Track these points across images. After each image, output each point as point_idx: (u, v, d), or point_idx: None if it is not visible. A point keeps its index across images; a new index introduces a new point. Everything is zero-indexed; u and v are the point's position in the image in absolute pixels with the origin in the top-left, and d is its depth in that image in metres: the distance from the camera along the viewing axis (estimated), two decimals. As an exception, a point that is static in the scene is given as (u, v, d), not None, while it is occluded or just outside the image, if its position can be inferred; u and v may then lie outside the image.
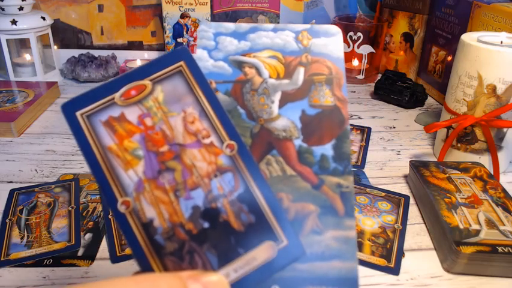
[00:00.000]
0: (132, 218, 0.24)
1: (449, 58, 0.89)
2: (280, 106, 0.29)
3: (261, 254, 0.24)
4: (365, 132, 0.77)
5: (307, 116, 0.29)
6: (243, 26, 0.31)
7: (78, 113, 0.26)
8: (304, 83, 0.30)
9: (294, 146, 0.28)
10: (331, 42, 0.30)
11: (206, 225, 0.25)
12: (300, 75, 0.30)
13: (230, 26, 0.31)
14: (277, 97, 0.29)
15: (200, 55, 0.30)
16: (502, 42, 0.62)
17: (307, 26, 0.31)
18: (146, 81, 0.27)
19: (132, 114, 0.26)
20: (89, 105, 0.26)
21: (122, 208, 0.25)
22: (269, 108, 0.29)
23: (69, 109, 0.26)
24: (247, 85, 0.30)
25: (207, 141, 0.26)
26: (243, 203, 0.25)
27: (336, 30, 0.30)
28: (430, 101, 0.94)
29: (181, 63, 0.27)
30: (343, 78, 0.30)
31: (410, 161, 0.61)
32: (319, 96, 0.29)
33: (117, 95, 0.26)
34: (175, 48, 0.28)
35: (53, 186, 0.59)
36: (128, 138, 0.26)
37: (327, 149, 0.28)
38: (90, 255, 0.48)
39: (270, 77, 0.30)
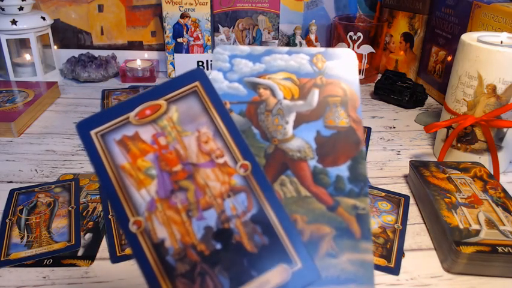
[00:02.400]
0: (143, 238, 0.24)
1: (449, 58, 0.89)
2: (295, 127, 0.29)
3: (274, 277, 0.24)
4: (365, 132, 0.77)
5: (322, 136, 0.29)
6: (258, 48, 0.31)
7: (92, 132, 0.26)
8: (318, 105, 0.29)
9: (308, 166, 0.28)
10: (345, 65, 0.30)
11: (218, 246, 0.24)
12: (315, 96, 0.30)
13: (245, 48, 0.31)
14: (291, 118, 0.29)
15: (215, 76, 0.30)
16: (502, 42, 0.62)
17: (322, 49, 0.31)
18: (161, 101, 0.27)
19: (146, 133, 0.26)
20: (103, 124, 0.26)
21: (133, 228, 0.24)
22: (283, 128, 0.29)
23: (84, 128, 0.26)
24: (261, 106, 0.30)
25: (220, 161, 0.26)
26: (257, 224, 0.25)
27: (349, 53, 0.31)
28: (430, 101, 0.94)
29: (197, 83, 0.28)
30: (358, 100, 0.30)
31: (410, 161, 0.61)
32: (334, 117, 0.29)
33: (131, 114, 0.27)
34: (191, 69, 0.28)
35: (53, 186, 0.59)
36: (142, 157, 0.26)
37: (342, 170, 0.28)
38: (90, 255, 0.48)
39: (285, 98, 0.30)
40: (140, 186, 0.25)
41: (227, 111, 0.27)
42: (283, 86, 0.30)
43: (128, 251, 0.48)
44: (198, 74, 0.28)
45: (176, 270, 0.24)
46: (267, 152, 0.28)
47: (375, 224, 0.52)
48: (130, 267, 0.47)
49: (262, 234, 0.25)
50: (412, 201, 0.58)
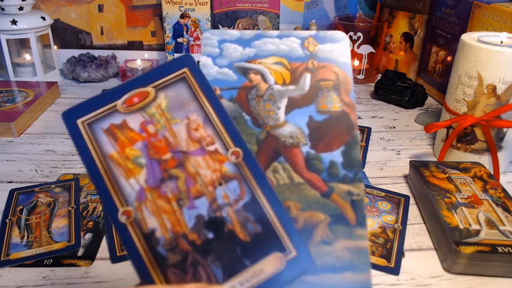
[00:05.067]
0: (133, 228, 0.24)
1: (449, 58, 0.89)
2: (287, 112, 0.28)
3: (268, 266, 0.23)
4: (365, 132, 0.77)
5: (315, 122, 0.28)
6: (248, 33, 0.30)
7: (79, 121, 0.25)
8: (311, 89, 0.29)
9: (301, 152, 0.28)
10: (337, 48, 0.30)
11: (210, 235, 0.24)
12: (307, 80, 0.29)
13: (235, 33, 0.30)
14: (283, 103, 0.29)
15: (204, 62, 0.29)
16: (502, 42, 0.62)
17: (313, 32, 0.30)
18: (149, 88, 0.26)
19: (135, 121, 0.26)
20: (90, 113, 0.26)
21: (122, 218, 0.24)
22: (275, 114, 0.28)
23: (70, 117, 0.25)
24: (252, 91, 0.29)
25: (211, 148, 0.26)
26: (249, 212, 0.24)
27: (342, 36, 0.30)
28: (430, 101, 0.94)
29: (185, 69, 0.27)
30: (351, 84, 0.29)
31: (410, 161, 0.61)
32: (327, 102, 0.29)
33: (119, 102, 0.26)
34: (179, 56, 0.28)
35: (53, 186, 0.59)
36: (130, 146, 0.25)
37: (336, 156, 0.27)
38: (90, 255, 0.48)
39: (276, 83, 0.29)
40: (129, 176, 0.25)
41: (217, 97, 0.27)
42: (274, 71, 0.29)
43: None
44: (187, 60, 0.27)
45: (167, 260, 0.23)
46: (259, 139, 0.28)
47: (375, 224, 0.52)
48: (130, 267, 0.46)
49: (255, 222, 0.24)
50: (412, 201, 0.58)
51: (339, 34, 0.30)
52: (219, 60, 0.30)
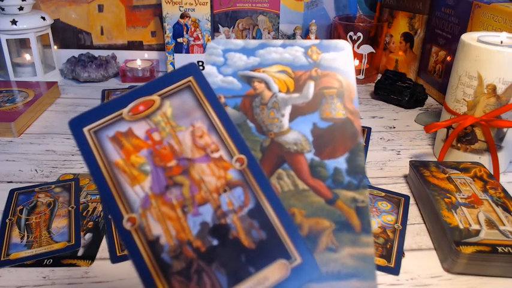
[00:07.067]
0: (137, 235, 0.24)
1: (449, 58, 0.89)
2: (291, 120, 0.29)
3: (273, 273, 0.23)
4: (365, 132, 0.77)
5: (319, 129, 0.28)
6: (252, 42, 0.31)
7: (85, 129, 0.26)
8: (314, 97, 0.29)
9: (305, 159, 0.28)
10: (340, 57, 0.30)
11: (215, 242, 0.24)
12: (310, 88, 0.29)
13: (239, 42, 0.31)
14: (287, 111, 0.29)
15: (209, 71, 0.30)
16: (502, 42, 0.62)
17: (316, 41, 0.31)
18: (155, 97, 0.27)
19: (140, 129, 0.26)
20: (96, 121, 0.26)
21: (127, 225, 0.24)
22: (279, 121, 0.29)
23: (77, 125, 0.26)
24: (256, 99, 0.29)
25: (216, 155, 0.26)
26: (254, 219, 0.24)
27: (345, 45, 0.30)
28: (430, 101, 0.94)
29: (190, 78, 0.27)
30: (355, 91, 0.29)
31: (410, 161, 0.61)
32: (331, 109, 0.29)
33: (125, 110, 0.26)
34: (184, 65, 0.28)
35: (53, 186, 0.59)
36: (135, 153, 0.26)
37: (340, 162, 0.27)
38: (90, 255, 0.48)
39: (280, 91, 0.29)
40: (134, 183, 0.25)
41: (222, 105, 0.27)
42: (278, 79, 0.30)
43: (128, 251, 0.48)
44: (192, 69, 0.28)
45: (172, 267, 0.23)
46: (263, 146, 0.28)
47: (375, 224, 0.52)
48: (130, 267, 0.47)
49: (259, 229, 0.24)
50: (412, 201, 0.58)
51: (342, 43, 0.30)
52: (223, 69, 0.30)
